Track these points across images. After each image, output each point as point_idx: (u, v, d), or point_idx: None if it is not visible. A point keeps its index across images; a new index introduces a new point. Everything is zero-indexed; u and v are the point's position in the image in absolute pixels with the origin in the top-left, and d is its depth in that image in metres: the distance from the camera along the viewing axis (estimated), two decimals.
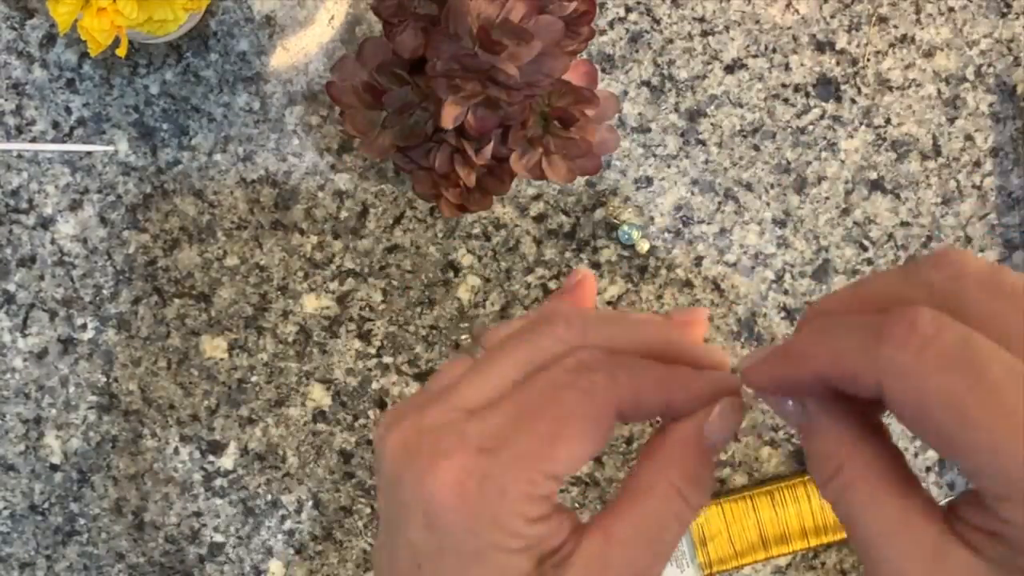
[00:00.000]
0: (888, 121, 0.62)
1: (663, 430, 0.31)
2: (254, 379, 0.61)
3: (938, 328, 0.23)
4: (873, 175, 0.62)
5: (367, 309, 0.61)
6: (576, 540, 0.29)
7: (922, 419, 0.23)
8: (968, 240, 0.63)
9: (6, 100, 0.60)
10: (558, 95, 0.49)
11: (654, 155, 0.62)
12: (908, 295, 0.25)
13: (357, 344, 0.61)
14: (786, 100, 0.62)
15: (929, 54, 0.62)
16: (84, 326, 0.61)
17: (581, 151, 0.51)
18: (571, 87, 0.49)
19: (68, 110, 0.60)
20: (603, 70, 0.61)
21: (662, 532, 0.29)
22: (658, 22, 0.61)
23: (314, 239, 0.61)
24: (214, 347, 0.61)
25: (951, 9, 0.62)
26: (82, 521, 0.62)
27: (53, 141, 0.60)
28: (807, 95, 0.62)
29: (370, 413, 0.62)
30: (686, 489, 0.29)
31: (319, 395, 0.62)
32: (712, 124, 0.62)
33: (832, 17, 0.62)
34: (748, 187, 0.62)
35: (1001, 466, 0.22)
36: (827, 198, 0.62)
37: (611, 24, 0.61)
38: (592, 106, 0.49)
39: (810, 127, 0.62)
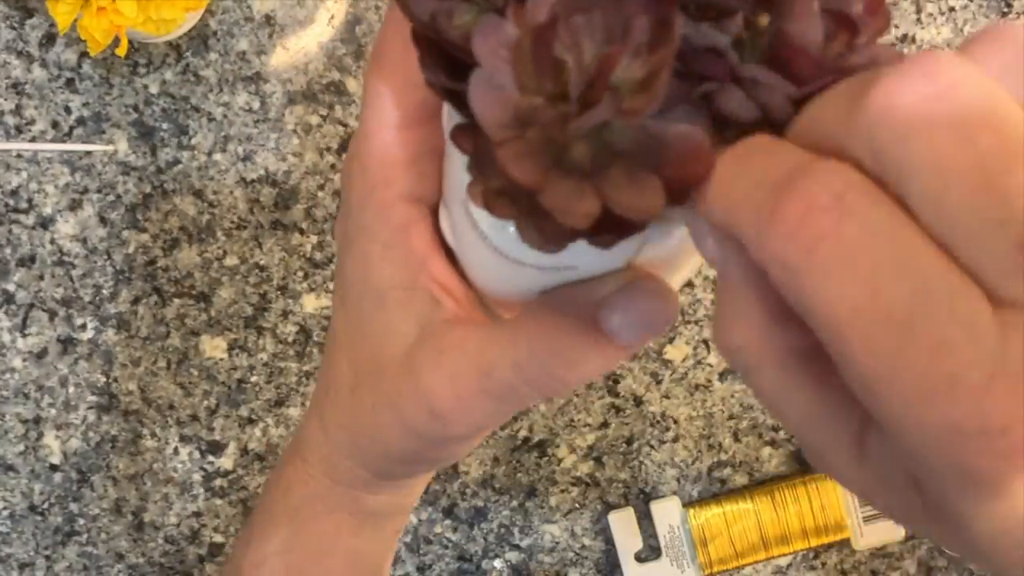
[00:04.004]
0: None
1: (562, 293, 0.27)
2: (254, 379, 0.61)
3: (841, 215, 0.17)
4: None
5: None
6: (455, 310, 0.28)
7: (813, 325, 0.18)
8: None
9: (5, 100, 0.60)
10: None
11: None
12: (846, 143, 0.18)
13: None
14: None
15: None
16: (84, 326, 0.61)
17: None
18: None
19: (68, 109, 0.60)
20: None
21: (493, 371, 0.27)
22: None
23: (314, 239, 0.61)
24: (214, 347, 0.61)
25: (952, 9, 0.62)
26: (81, 521, 0.62)
27: (53, 141, 0.60)
28: None
29: None
30: (542, 356, 0.26)
31: None
32: None
33: None
34: None
35: (900, 432, 0.17)
36: None
37: None
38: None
39: None
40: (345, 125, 0.61)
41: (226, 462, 0.62)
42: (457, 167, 0.26)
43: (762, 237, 0.18)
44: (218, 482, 0.62)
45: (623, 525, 0.61)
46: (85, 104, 0.60)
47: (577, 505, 0.63)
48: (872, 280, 0.17)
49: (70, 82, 0.60)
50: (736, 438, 0.63)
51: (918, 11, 0.62)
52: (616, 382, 0.62)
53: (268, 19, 0.60)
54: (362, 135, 0.28)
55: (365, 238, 0.28)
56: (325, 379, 0.32)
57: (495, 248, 0.26)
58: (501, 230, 0.25)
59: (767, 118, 0.21)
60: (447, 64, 0.22)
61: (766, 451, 0.63)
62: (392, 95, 0.27)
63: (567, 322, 0.26)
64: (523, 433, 0.62)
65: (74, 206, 0.60)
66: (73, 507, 0.61)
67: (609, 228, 0.20)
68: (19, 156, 0.60)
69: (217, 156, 0.60)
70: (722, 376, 0.62)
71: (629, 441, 0.63)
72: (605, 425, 0.62)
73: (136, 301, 0.61)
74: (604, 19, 0.20)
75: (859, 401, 0.19)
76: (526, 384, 0.27)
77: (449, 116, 0.26)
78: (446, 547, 0.63)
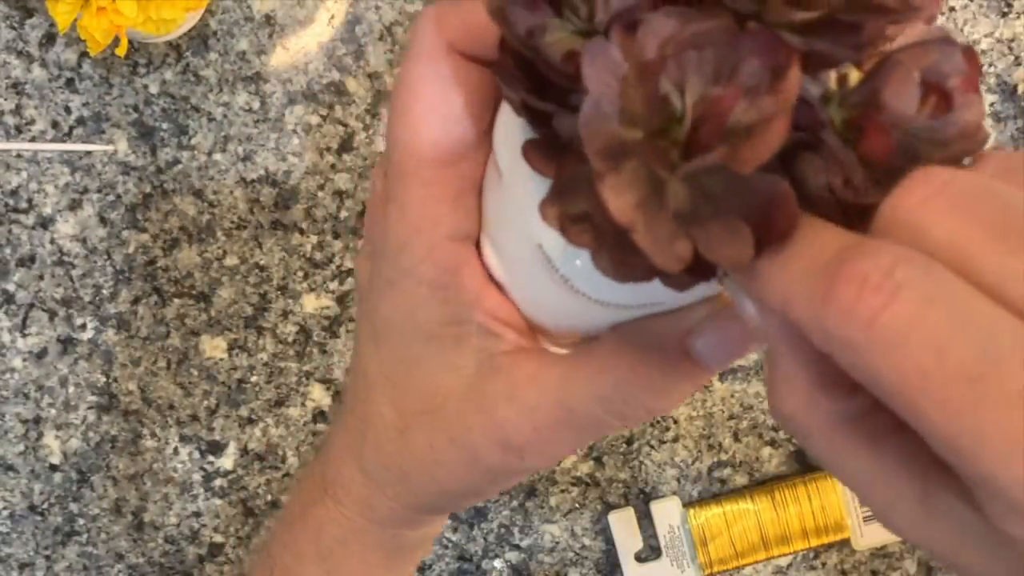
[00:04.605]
0: None
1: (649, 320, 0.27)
2: (254, 379, 0.61)
3: (895, 288, 0.17)
4: None
5: None
6: (517, 342, 0.28)
7: (888, 401, 0.18)
8: None
9: (5, 99, 0.60)
10: None
11: None
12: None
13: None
14: None
15: None
16: (84, 326, 0.61)
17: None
18: None
19: (67, 109, 0.60)
20: None
21: (578, 406, 0.27)
22: None
23: (314, 239, 0.61)
24: (214, 347, 0.61)
25: (952, 9, 0.62)
26: (81, 521, 0.62)
27: (52, 141, 0.60)
28: None
29: None
30: (627, 387, 0.27)
31: (319, 395, 0.62)
32: None
33: None
34: None
35: (997, 488, 0.18)
36: None
37: None
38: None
39: None
40: (345, 125, 0.61)
41: (226, 462, 0.62)
42: (519, 197, 0.25)
43: (819, 320, 0.18)
44: (218, 482, 0.62)
45: (623, 525, 0.61)
46: (85, 104, 0.60)
47: (577, 505, 0.63)
48: (936, 343, 0.17)
49: (70, 82, 0.60)
50: (736, 438, 0.63)
51: None
52: None
53: (268, 19, 0.60)
54: (397, 176, 0.27)
55: (411, 281, 0.28)
56: (359, 421, 0.32)
57: (576, 289, 0.25)
58: (587, 274, 0.24)
59: (832, 192, 0.21)
60: (532, 81, 0.22)
61: (766, 451, 0.63)
62: (428, 131, 0.27)
63: (654, 353, 0.26)
64: None
65: (74, 206, 0.60)
66: (73, 507, 0.62)
67: (690, 270, 0.20)
68: (19, 156, 0.60)
69: (217, 156, 0.61)
70: (722, 376, 0.62)
71: (629, 441, 0.63)
72: None
73: (136, 301, 0.61)
74: (715, 57, 0.20)
75: (918, 459, 0.20)
76: (612, 416, 0.27)
77: (508, 136, 0.25)
78: (446, 547, 0.63)
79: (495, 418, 0.28)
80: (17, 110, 0.60)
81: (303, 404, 0.62)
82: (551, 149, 0.21)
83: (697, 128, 0.20)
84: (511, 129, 0.25)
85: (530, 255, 0.25)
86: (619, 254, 0.21)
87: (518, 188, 0.25)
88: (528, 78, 0.22)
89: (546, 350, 0.29)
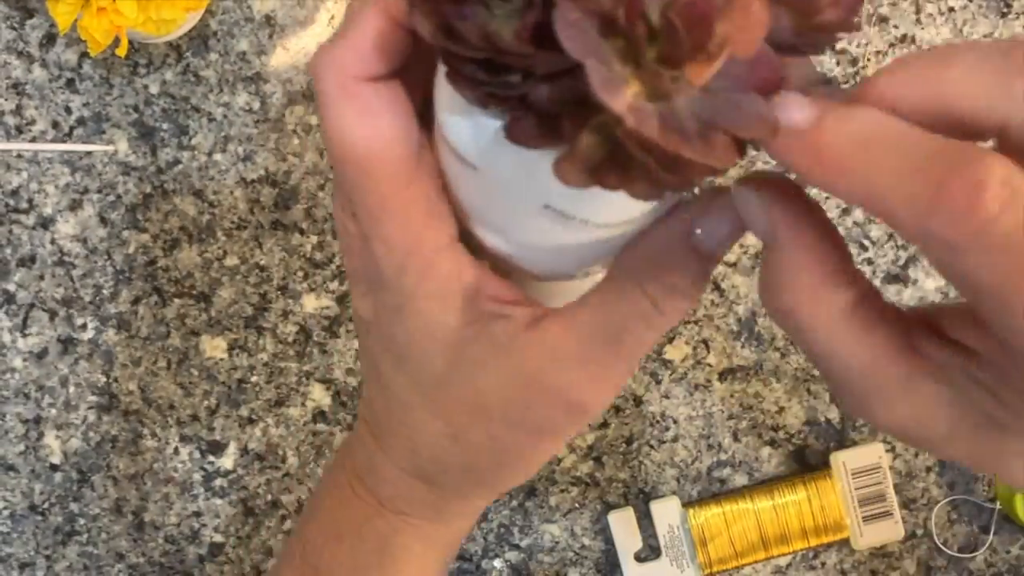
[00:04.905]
0: None
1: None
2: (254, 379, 0.61)
3: (1010, 198, 0.19)
4: None
5: None
6: (531, 313, 0.29)
7: (972, 302, 0.20)
8: None
9: (6, 100, 0.60)
10: None
11: None
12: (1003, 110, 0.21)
13: (357, 344, 0.61)
14: None
15: None
16: (84, 326, 0.61)
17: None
18: None
19: (68, 110, 0.60)
20: None
21: (623, 332, 0.28)
22: None
23: (314, 239, 0.61)
24: (214, 347, 0.61)
25: (951, 9, 0.62)
26: (82, 521, 0.62)
27: (53, 141, 0.60)
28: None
29: None
30: (656, 291, 0.27)
31: (319, 395, 0.62)
32: None
33: None
34: None
35: None
36: (827, 197, 0.62)
37: None
38: None
39: None
40: None
41: (226, 462, 0.62)
42: (506, 176, 0.25)
43: (923, 219, 0.19)
44: (218, 482, 0.62)
45: (623, 525, 0.62)
46: (85, 104, 0.60)
47: (577, 505, 0.63)
48: None
49: (70, 82, 0.60)
50: (736, 438, 0.63)
51: (917, 11, 0.62)
52: None
53: (268, 19, 0.60)
54: (367, 214, 0.28)
55: (418, 300, 0.29)
56: (408, 440, 0.33)
57: (596, 224, 0.26)
58: (604, 207, 0.25)
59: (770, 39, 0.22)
60: (488, 73, 0.22)
61: (766, 451, 0.63)
62: (380, 167, 0.27)
63: (668, 257, 0.27)
64: None
65: (74, 206, 0.61)
66: (73, 507, 0.62)
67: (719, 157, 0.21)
68: (19, 156, 0.60)
69: (217, 156, 0.61)
70: (722, 376, 0.62)
71: (629, 441, 0.63)
72: (605, 425, 0.62)
73: (136, 301, 0.61)
74: None
75: (904, 346, 0.23)
76: (653, 329, 0.28)
77: (469, 131, 0.25)
78: None
79: (548, 388, 0.28)
80: (17, 110, 0.60)
81: (303, 404, 0.62)
82: (533, 123, 0.22)
83: (678, 34, 0.20)
84: (469, 124, 0.25)
85: (538, 218, 0.26)
86: (659, 175, 0.21)
87: (503, 169, 0.25)
88: (484, 72, 0.22)
89: (559, 306, 0.30)
